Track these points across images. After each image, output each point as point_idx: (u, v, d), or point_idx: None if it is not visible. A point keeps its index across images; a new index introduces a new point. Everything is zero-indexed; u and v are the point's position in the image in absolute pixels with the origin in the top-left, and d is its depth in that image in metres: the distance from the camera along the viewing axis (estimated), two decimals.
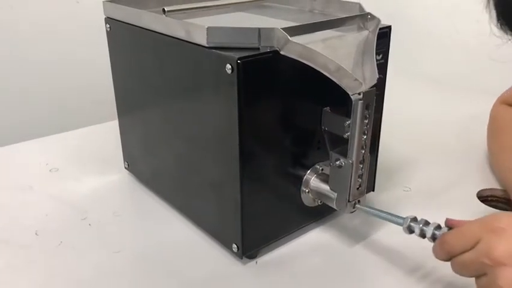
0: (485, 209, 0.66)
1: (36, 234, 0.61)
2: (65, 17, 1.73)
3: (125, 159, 0.74)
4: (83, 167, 0.78)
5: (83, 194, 0.70)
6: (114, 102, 0.71)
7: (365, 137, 0.51)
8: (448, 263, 0.47)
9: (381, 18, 0.55)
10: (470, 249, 0.44)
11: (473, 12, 1.16)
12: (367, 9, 0.57)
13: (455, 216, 0.53)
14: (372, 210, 0.54)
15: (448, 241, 0.46)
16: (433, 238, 0.49)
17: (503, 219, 0.43)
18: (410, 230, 0.50)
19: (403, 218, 0.51)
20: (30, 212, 0.66)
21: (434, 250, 0.48)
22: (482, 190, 0.70)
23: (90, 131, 0.92)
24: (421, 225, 0.49)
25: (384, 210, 0.53)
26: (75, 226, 0.63)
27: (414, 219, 0.50)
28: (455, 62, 1.22)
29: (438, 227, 0.49)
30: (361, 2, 0.59)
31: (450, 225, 0.49)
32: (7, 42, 1.61)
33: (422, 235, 0.49)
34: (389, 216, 0.52)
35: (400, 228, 0.51)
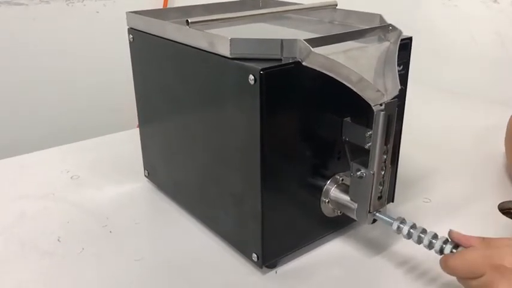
0: (506, 221, 0.66)
1: (58, 240, 0.62)
2: (83, 27, 1.76)
3: (145, 168, 0.74)
4: (104, 174, 0.79)
5: (104, 201, 0.71)
6: (131, 110, 0.71)
7: (386, 147, 0.51)
8: None
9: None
10: (474, 278, 0.46)
11: (492, 23, 1.16)
12: (388, 20, 0.57)
13: (476, 228, 0.53)
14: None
15: (451, 266, 0.48)
16: (441, 252, 0.49)
17: (507, 257, 0.44)
18: (418, 239, 0.51)
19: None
20: (53, 219, 0.67)
21: (440, 264, 0.49)
22: (503, 202, 0.69)
23: (110, 139, 0.93)
24: (425, 235, 0.50)
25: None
26: (96, 233, 0.64)
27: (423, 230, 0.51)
28: (473, 73, 1.22)
29: (446, 241, 0.49)
30: (381, 14, 0.60)
31: (455, 240, 0.49)
32: (25, 53, 1.65)
33: (430, 246, 0.50)
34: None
35: None
